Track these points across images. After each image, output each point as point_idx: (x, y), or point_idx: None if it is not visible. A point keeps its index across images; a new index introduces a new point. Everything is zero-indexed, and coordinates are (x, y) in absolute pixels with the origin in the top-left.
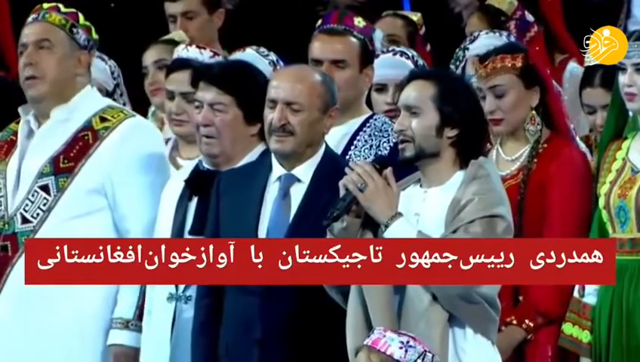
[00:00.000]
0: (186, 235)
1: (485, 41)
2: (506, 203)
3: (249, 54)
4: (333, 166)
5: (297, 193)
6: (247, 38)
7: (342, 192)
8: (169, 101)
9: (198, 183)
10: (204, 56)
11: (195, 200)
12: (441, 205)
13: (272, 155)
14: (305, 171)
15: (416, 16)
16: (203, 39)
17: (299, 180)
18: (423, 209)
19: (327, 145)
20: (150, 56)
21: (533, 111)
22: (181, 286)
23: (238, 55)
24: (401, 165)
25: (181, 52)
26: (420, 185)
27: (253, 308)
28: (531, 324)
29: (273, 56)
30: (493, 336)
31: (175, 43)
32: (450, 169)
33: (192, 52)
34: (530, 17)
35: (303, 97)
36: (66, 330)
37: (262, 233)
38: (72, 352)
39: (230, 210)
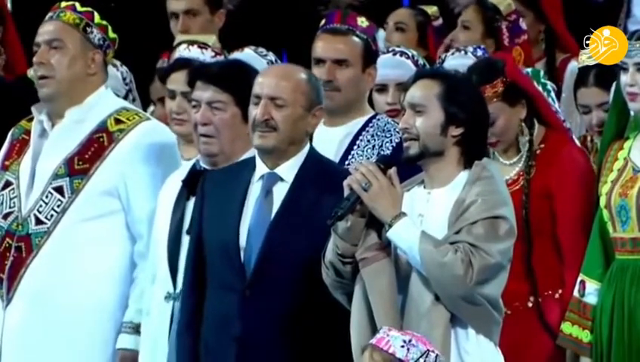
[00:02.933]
0: (184, 235)
1: (453, 61)
2: (509, 204)
3: (247, 54)
4: (317, 166)
5: (280, 192)
6: (249, 38)
7: (346, 192)
8: (170, 100)
9: (195, 183)
10: (206, 56)
11: (192, 200)
12: (445, 206)
13: (256, 154)
14: (288, 170)
15: (431, 9)
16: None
17: (282, 179)
18: (426, 210)
19: (312, 146)
20: None
21: (523, 123)
22: (179, 286)
23: (236, 55)
24: (405, 164)
25: (182, 51)
26: (424, 187)
27: (233, 305)
28: None
29: (272, 56)
30: (496, 338)
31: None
32: (454, 169)
33: (193, 52)
34: (523, 25)
35: (287, 93)
36: (80, 331)
37: (243, 232)
38: (84, 353)
39: (213, 210)
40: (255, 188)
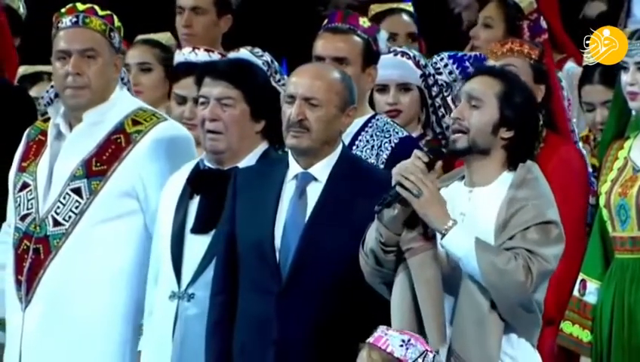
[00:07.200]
0: (187, 234)
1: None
2: (555, 207)
3: (243, 55)
4: (350, 166)
5: (314, 192)
6: (248, 38)
7: (394, 180)
8: (178, 106)
9: (199, 182)
10: (214, 59)
11: (196, 199)
12: (489, 206)
13: (289, 153)
14: (322, 170)
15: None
16: (205, 39)
17: (315, 179)
18: (468, 208)
19: (344, 145)
20: (133, 57)
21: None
22: (183, 284)
23: (232, 55)
24: (451, 156)
25: (188, 55)
26: (464, 183)
27: (269, 307)
28: None
29: (267, 57)
30: (535, 340)
31: (160, 45)
32: (497, 169)
33: (200, 55)
34: (543, 24)
35: (322, 93)
36: (99, 332)
37: (278, 232)
38: (103, 354)
39: (246, 209)
40: (289, 188)
